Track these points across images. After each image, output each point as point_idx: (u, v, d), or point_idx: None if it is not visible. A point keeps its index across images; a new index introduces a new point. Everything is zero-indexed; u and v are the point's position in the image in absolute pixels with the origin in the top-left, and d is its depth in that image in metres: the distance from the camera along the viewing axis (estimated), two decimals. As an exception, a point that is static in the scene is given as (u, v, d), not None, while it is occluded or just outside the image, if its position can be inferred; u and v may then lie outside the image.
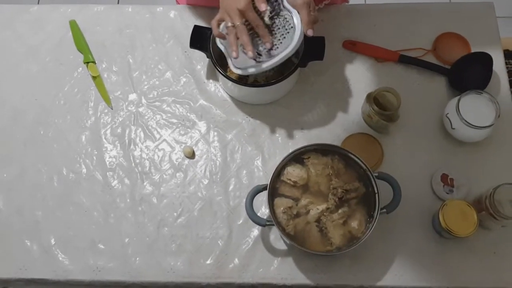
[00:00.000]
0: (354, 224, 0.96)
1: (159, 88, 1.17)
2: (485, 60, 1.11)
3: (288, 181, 0.99)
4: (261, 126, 1.13)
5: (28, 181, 1.10)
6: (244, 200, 0.99)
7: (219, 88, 1.17)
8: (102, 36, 1.22)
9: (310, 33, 0.97)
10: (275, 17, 0.99)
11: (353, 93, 1.14)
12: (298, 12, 0.97)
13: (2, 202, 1.08)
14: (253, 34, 0.99)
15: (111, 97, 1.16)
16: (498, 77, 1.13)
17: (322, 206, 0.97)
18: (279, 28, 0.99)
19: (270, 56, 0.98)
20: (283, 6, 0.99)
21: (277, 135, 1.12)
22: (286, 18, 0.99)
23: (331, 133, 1.11)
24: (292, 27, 0.98)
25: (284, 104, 1.14)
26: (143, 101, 1.16)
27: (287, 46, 0.97)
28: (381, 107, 1.05)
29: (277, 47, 0.98)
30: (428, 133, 1.10)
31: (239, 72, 1.01)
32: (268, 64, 0.98)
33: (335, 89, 1.15)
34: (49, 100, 1.17)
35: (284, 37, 0.98)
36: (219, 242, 1.04)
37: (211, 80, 1.17)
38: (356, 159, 0.99)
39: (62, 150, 1.12)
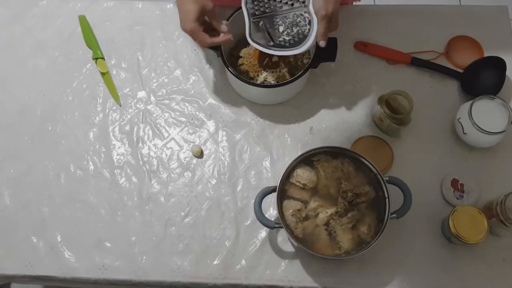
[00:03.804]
0: (363, 228, 0.95)
1: (168, 86, 1.16)
2: (498, 65, 1.10)
3: (298, 184, 0.98)
4: (270, 126, 1.12)
5: (35, 178, 1.09)
6: (252, 201, 0.98)
7: (229, 87, 1.15)
8: (112, 32, 1.21)
9: (322, 44, 0.99)
10: (297, 14, 1.00)
11: (363, 95, 1.13)
12: (317, 21, 0.97)
13: (8, 198, 1.08)
14: (272, 21, 0.99)
15: (119, 94, 1.16)
16: (511, 83, 1.12)
17: (331, 210, 0.96)
18: (297, 26, 0.99)
19: (281, 47, 0.99)
20: (308, 9, 0.99)
21: (286, 136, 1.11)
22: (305, 18, 0.99)
23: (341, 135, 1.10)
24: (307, 32, 0.98)
25: (294, 105, 1.13)
26: (152, 98, 1.15)
27: (298, 46, 0.98)
28: (393, 110, 1.04)
29: (291, 43, 0.99)
30: (439, 138, 1.09)
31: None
32: (276, 52, 0.99)
33: (346, 90, 1.14)
34: (57, 96, 1.16)
35: (300, 37, 0.99)
36: (226, 242, 1.03)
37: (220, 79, 1.16)
38: (367, 163, 0.98)
39: (69, 146, 1.12)
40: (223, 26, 1.00)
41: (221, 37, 1.00)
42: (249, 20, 1.00)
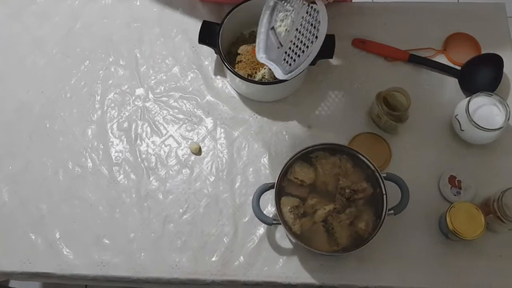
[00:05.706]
0: (361, 224, 0.95)
1: (166, 83, 1.17)
2: (496, 62, 1.10)
3: (295, 180, 0.99)
4: (268, 123, 1.12)
5: (33, 175, 1.09)
6: (250, 198, 0.98)
7: (227, 84, 1.16)
8: (110, 29, 1.21)
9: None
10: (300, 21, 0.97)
11: (361, 92, 1.13)
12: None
13: (7, 195, 1.08)
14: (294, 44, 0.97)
15: (117, 91, 1.16)
16: (509, 79, 1.12)
17: (329, 206, 0.97)
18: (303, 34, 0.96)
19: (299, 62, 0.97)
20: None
21: (284, 133, 1.11)
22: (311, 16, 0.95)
23: (338, 132, 1.10)
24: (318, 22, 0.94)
25: (292, 102, 1.13)
26: (150, 96, 1.15)
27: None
28: (391, 107, 1.04)
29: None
30: (436, 134, 1.09)
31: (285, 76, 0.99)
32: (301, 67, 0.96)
33: (344, 88, 1.14)
34: (56, 93, 1.16)
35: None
36: (224, 239, 1.03)
37: (218, 76, 1.16)
38: (365, 160, 0.98)
39: (68, 143, 1.12)
40: None
41: None
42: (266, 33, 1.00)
